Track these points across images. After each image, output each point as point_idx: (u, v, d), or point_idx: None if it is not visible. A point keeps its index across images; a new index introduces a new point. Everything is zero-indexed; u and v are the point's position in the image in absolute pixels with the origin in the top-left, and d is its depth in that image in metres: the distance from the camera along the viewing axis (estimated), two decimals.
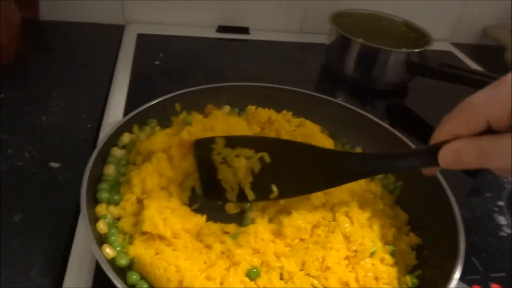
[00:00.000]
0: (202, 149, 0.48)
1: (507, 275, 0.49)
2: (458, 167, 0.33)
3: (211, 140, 0.47)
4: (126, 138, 0.51)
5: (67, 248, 0.43)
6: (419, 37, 0.85)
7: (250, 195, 0.46)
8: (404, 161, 0.39)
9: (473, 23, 1.06)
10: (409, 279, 0.42)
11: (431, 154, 0.34)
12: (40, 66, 0.73)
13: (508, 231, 0.55)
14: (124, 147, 0.51)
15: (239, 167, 0.45)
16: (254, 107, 0.59)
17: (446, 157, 0.33)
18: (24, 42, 0.74)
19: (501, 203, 0.59)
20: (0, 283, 0.40)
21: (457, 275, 0.39)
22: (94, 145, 0.57)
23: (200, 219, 0.44)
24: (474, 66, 0.96)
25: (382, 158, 0.42)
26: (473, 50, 1.05)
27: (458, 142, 0.32)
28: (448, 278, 0.39)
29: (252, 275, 0.39)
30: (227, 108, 0.59)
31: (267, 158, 0.45)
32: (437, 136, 0.34)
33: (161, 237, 0.40)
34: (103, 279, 0.39)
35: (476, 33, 1.08)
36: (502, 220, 0.57)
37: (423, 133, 0.54)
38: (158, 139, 0.50)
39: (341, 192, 0.48)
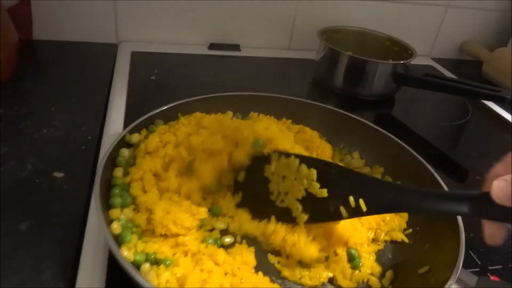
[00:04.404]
0: (256, 165, 0.49)
1: (503, 267, 0.51)
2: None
3: (267, 157, 0.48)
4: (135, 137, 0.52)
5: (77, 252, 0.43)
6: (402, 51, 0.89)
7: (300, 215, 0.45)
8: (449, 205, 0.38)
9: (451, 39, 1.12)
10: None
11: (482, 200, 0.34)
12: (37, 83, 0.74)
13: None
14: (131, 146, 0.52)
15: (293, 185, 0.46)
16: (256, 114, 0.61)
17: (499, 187, 0.32)
18: (19, 61, 0.75)
19: None
20: None
21: (460, 263, 0.41)
22: (96, 155, 0.58)
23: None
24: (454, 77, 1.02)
25: (423, 195, 0.40)
26: (452, 64, 1.10)
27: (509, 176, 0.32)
28: (452, 266, 0.41)
29: None
30: (229, 113, 0.61)
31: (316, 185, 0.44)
32: (488, 182, 0.35)
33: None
34: (116, 279, 0.40)
35: (454, 48, 1.14)
36: None
37: (411, 141, 0.58)
38: (151, 140, 0.51)
39: None
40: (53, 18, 0.86)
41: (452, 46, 1.14)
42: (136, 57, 0.86)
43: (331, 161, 0.57)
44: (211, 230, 0.47)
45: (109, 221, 0.42)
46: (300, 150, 0.51)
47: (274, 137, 0.50)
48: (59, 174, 0.53)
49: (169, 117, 0.57)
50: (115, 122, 0.64)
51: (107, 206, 0.44)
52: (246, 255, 0.43)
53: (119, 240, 0.41)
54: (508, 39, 1.08)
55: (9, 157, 0.55)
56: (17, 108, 0.66)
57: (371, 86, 0.83)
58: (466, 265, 0.49)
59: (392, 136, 0.59)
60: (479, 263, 0.51)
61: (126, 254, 0.39)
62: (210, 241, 0.44)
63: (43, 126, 0.62)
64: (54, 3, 0.84)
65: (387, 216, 0.51)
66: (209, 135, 0.49)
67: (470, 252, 0.52)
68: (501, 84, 0.99)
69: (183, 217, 0.43)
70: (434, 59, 1.11)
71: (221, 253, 0.42)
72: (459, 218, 0.46)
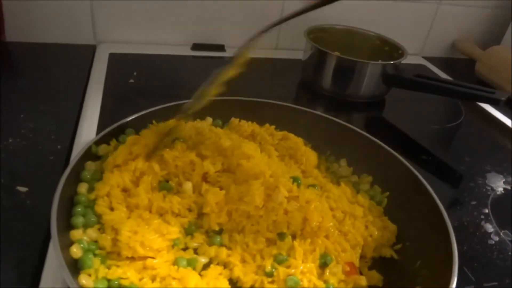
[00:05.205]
0: None
1: (499, 284, 0.48)
2: None
3: None
4: (102, 149, 0.48)
5: (36, 278, 0.40)
6: (393, 50, 0.86)
7: None
8: None
9: (443, 37, 1.09)
10: None
11: None
12: (7, 87, 0.69)
13: (496, 238, 0.54)
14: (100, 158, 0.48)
15: None
16: (237, 120, 0.58)
17: None
18: None
19: (486, 210, 0.59)
20: None
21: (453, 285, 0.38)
22: (65, 167, 0.54)
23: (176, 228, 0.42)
24: (446, 78, 0.98)
25: None
26: (444, 63, 1.07)
27: None
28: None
29: None
30: (209, 120, 0.57)
31: None
32: None
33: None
34: None
35: (446, 46, 1.11)
36: (489, 228, 0.56)
37: (402, 144, 0.54)
38: (120, 152, 0.47)
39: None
40: (26, 19, 0.82)
41: (443, 45, 1.11)
42: (115, 59, 0.82)
43: None
44: (185, 249, 0.43)
45: (70, 243, 0.39)
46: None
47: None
48: (22, 189, 0.50)
49: (142, 126, 0.53)
50: (87, 130, 0.60)
51: (69, 226, 0.41)
52: (222, 279, 0.39)
53: (79, 265, 0.37)
54: (501, 37, 1.05)
55: None
56: None
57: (361, 88, 0.80)
58: (460, 282, 0.46)
59: (381, 143, 0.55)
60: (473, 279, 0.48)
61: (85, 282, 0.35)
62: (183, 263, 0.40)
63: (10, 135, 0.58)
64: (27, 3, 0.80)
65: (376, 231, 0.47)
66: (183, 150, 0.46)
67: (464, 267, 0.49)
68: (494, 84, 0.96)
69: (151, 237, 0.39)
70: (425, 58, 1.08)
71: (193, 277, 0.38)
72: (452, 233, 0.43)
